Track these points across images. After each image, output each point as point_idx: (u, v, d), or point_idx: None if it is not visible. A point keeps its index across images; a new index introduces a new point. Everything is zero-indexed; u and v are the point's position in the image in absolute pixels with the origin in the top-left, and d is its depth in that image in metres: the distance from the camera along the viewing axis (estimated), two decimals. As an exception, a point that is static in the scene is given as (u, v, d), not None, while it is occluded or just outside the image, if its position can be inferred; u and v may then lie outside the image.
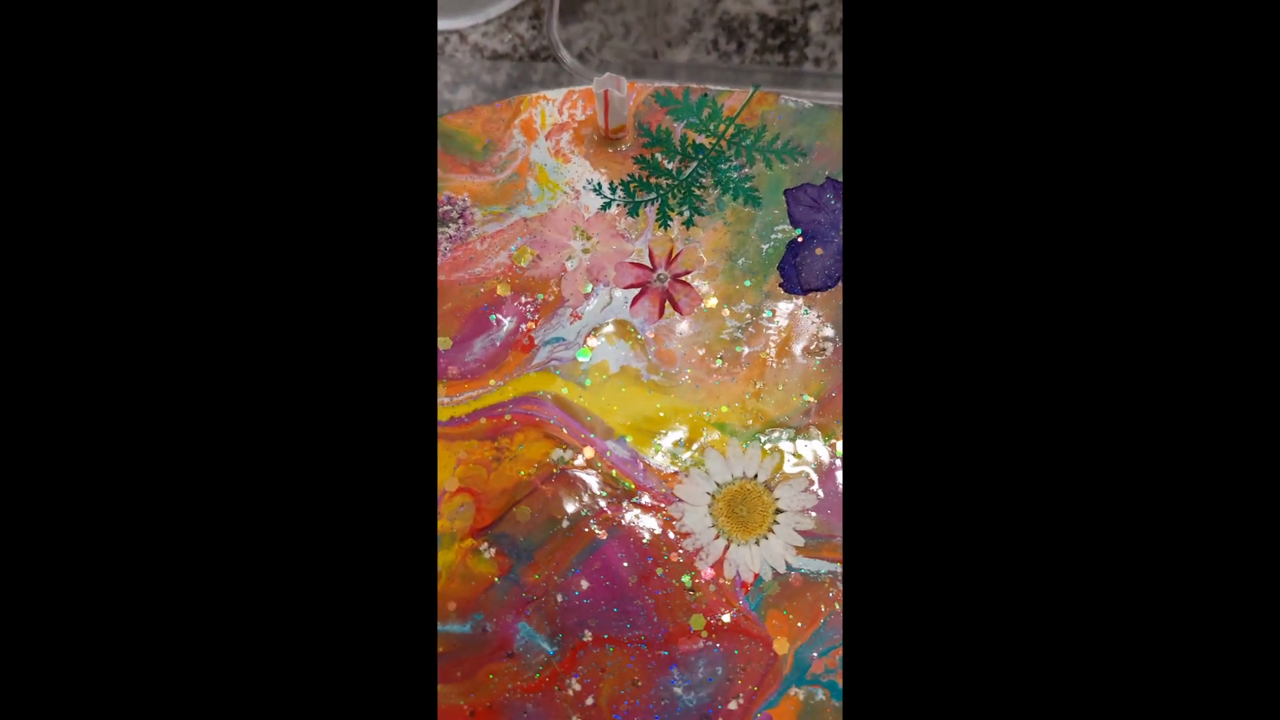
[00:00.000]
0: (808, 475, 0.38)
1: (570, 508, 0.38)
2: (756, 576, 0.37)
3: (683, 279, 0.41)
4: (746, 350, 0.40)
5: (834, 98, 0.59)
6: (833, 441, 0.38)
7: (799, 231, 0.41)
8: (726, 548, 0.37)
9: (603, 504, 0.38)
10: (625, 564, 0.37)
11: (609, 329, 0.40)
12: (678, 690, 0.35)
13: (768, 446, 0.38)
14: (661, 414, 0.39)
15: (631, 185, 0.42)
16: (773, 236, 0.41)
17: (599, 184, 0.41)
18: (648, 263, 0.41)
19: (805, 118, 0.43)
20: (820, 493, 0.38)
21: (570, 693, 0.36)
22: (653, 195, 0.42)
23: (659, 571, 0.37)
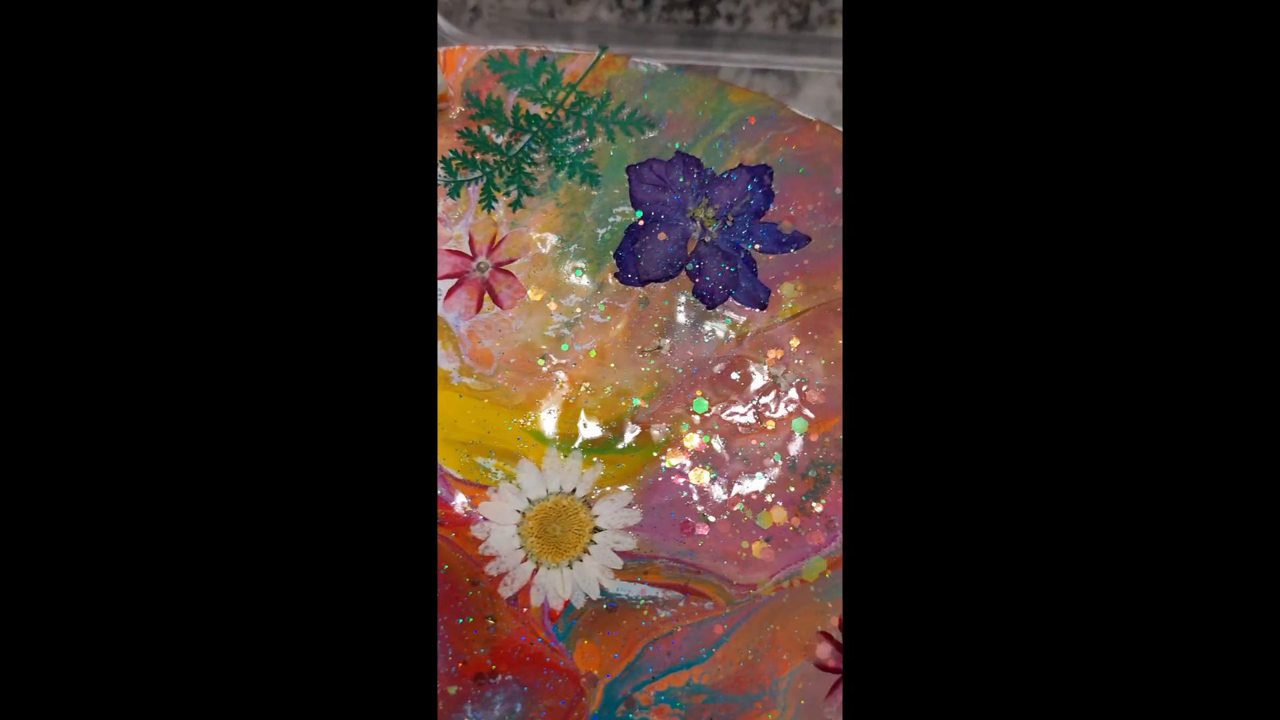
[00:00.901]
0: (630, 490, 0.34)
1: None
2: (567, 604, 0.33)
3: (505, 268, 0.37)
4: (574, 349, 0.36)
5: (745, 60, 0.54)
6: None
7: (639, 214, 0.37)
8: (535, 572, 0.34)
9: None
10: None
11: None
12: (472, 729, 0.32)
13: (591, 456, 0.35)
14: (472, 421, 0.35)
15: (454, 163, 0.38)
16: (611, 220, 0.37)
17: (414, 163, 0.37)
18: (467, 250, 0.37)
19: (657, 84, 0.38)
20: (640, 514, 0.34)
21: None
22: (477, 174, 0.38)
23: (457, 601, 0.33)
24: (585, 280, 0.37)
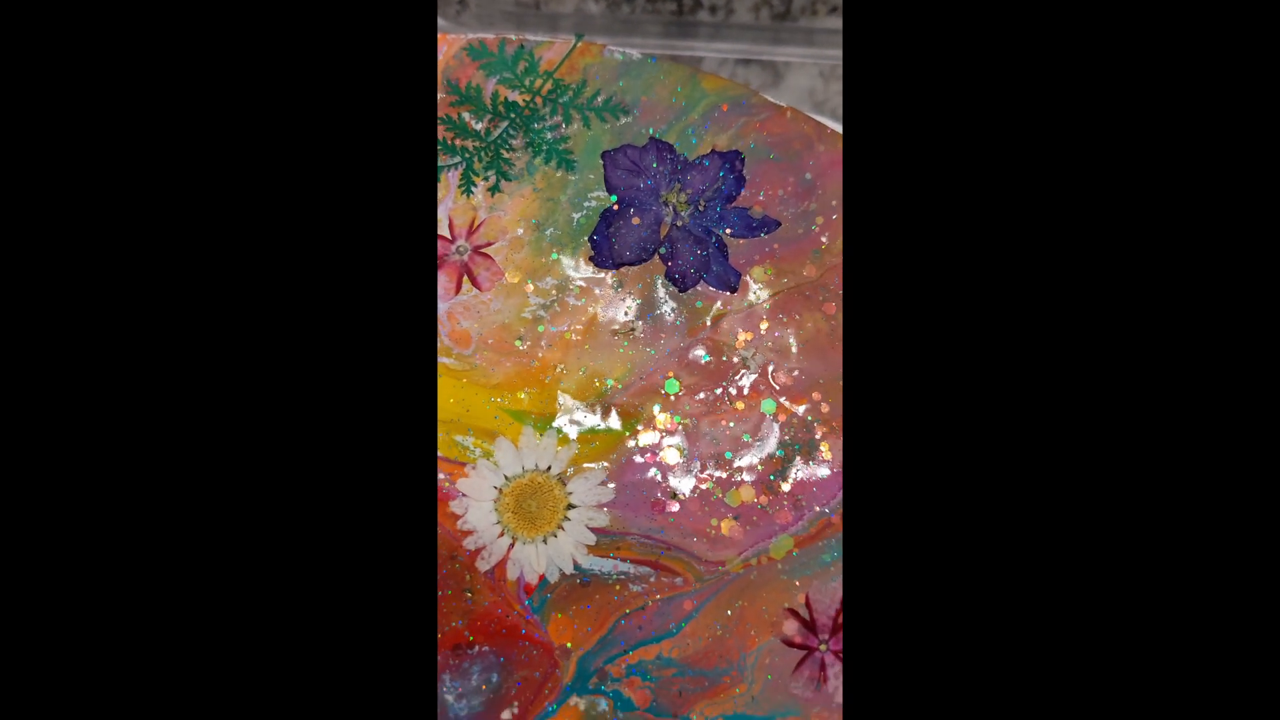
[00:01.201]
0: (604, 468, 0.35)
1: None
2: (542, 578, 0.34)
3: (484, 251, 0.37)
4: (550, 330, 0.37)
5: (728, 50, 0.55)
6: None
7: (614, 199, 0.38)
8: (511, 546, 0.35)
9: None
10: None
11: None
12: (449, 698, 0.33)
13: (567, 432, 0.36)
14: (451, 400, 0.36)
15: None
16: (586, 204, 0.38)
17: (391, 148, 0.38)
18: (446, 233, 0.37)
19: (631, 71, 0.39)
20: (613, 491, 0.35)
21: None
22: (456, 160, 0.38)
23: (437, 574, 0.34)
24: (566, 262, 0.37)
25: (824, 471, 0.36)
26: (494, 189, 0.38)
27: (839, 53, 0.55)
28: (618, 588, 0.34)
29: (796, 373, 0.37)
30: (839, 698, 0.33)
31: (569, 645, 0.34)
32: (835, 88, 0.57)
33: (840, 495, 0.35)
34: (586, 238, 0.38)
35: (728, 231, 0.38)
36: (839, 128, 0.40)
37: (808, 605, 0.34)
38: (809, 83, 0.57)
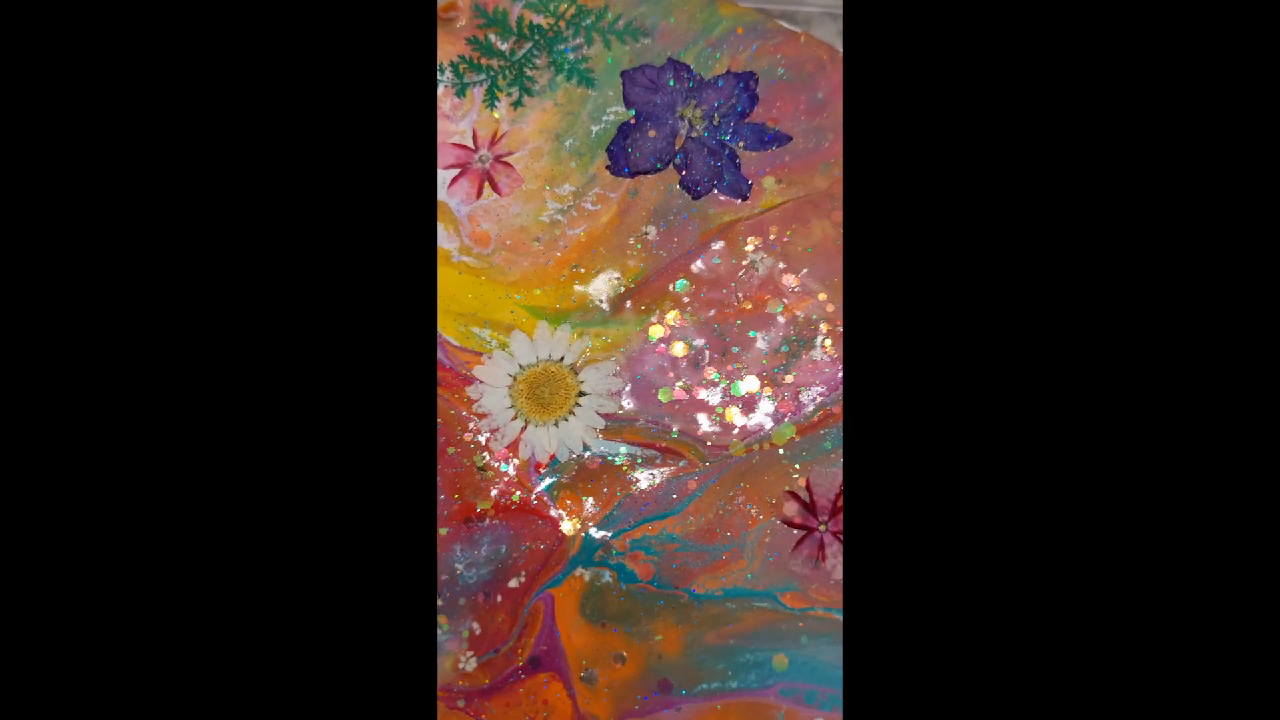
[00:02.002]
0: (615, 359, 0.37)
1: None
2: (552, 457, 0.36)
3: (505, 160, 0.39)
4: (567, 233, 0.38)
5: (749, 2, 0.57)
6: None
7: (632, 113, 0.40)
8: (524, 428, 0.36)
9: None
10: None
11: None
12: (458, 566, 0.35)
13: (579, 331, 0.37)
14: (470, 295, 0.38)
15: (461, 67, 0.41)
16: (604, 118, 0.40)
17: (424, 64, 0.40)
18: (470, 144, 0.40)
19: (652, -2, 0.41)
20: (624, 381, 0.36)
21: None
22: (482, 77, 0.41)
23: (450, 450, 0.36)
24: (579, 170, 0.39)
25: (826, 366, 0.37)
26: (517, 103, 0.40)
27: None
28: (625, 468, 0.36)
29: (801, 274, 0.38)
30: (837, 574, 0.34)
31: (575, 520, 0.35)
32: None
33: (840, 388, 0.36)
34: (604, 148, 0.40)
35: (741, 144, 0.40)
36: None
37: (808, 488, 0.35)
38: (828, 37, 0.59)
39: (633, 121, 0.40)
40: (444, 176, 0.39)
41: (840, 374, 0.36)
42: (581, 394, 0.36)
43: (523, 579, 0.35)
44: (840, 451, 0.35)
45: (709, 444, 0.36)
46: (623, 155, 0.40)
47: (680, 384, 0.36)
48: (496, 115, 0.40)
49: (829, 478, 0.35)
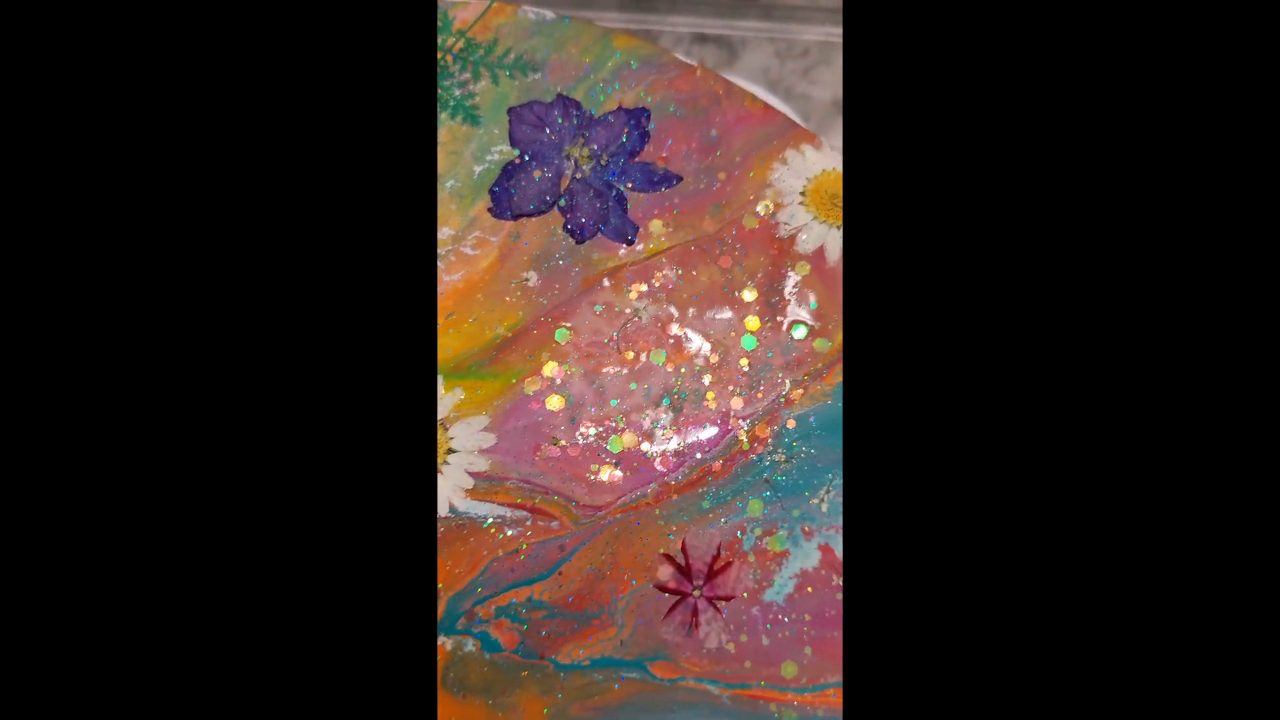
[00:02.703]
0: (487, 415, 0.35)
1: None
2: (417, 519, 0.35)
3: (383, 203, 0.38)
4: (444, 279, 0.37)
5: (685, 24, 0.55)
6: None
7: (517, 152, 0.38)
8: (389, 487, 0.35)
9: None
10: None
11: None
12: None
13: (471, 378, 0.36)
14: (340, 345, 0.37)
15: (341, 103, 0.39)
16: (489, 158, 0.38)
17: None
18: (347, 185, 0.38)
19: (542, 31, 0.40)
20: (495, 437, 0.35)
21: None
22: (362, 114, 0.39)
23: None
24: (459, 213, 0.38)
25: (708, 421, 0.35)
26: (398, 142, 0.39)
27: (799, 28, 0.55)
28: (493, 530, 0.34)
29: (686, 324, 0.37)
30: (710, 644, 0.32)
31: (440, 586, 0.34)
32: (790, 66, 0.56)
33: (721, 444, 0.35)
34: (487, 189, 0.38)
35: (629, 185, 0.38)
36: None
37: (684, 551, 0.34)
38: (764, 61, 0.57)
39: (518, 161, 0.38)
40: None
41: (717, 430, 0.35)
42: (450, 450, 0.35)
43: (382, 647, 0.33)
44: (717, 513, 0.34)
45: (580, 505, 0.34)
46: (505, 197, 0.38)
47: (555, 440, 0.35)
48: (375, 155, 0.38)
49: (706, 539, 0.34)
